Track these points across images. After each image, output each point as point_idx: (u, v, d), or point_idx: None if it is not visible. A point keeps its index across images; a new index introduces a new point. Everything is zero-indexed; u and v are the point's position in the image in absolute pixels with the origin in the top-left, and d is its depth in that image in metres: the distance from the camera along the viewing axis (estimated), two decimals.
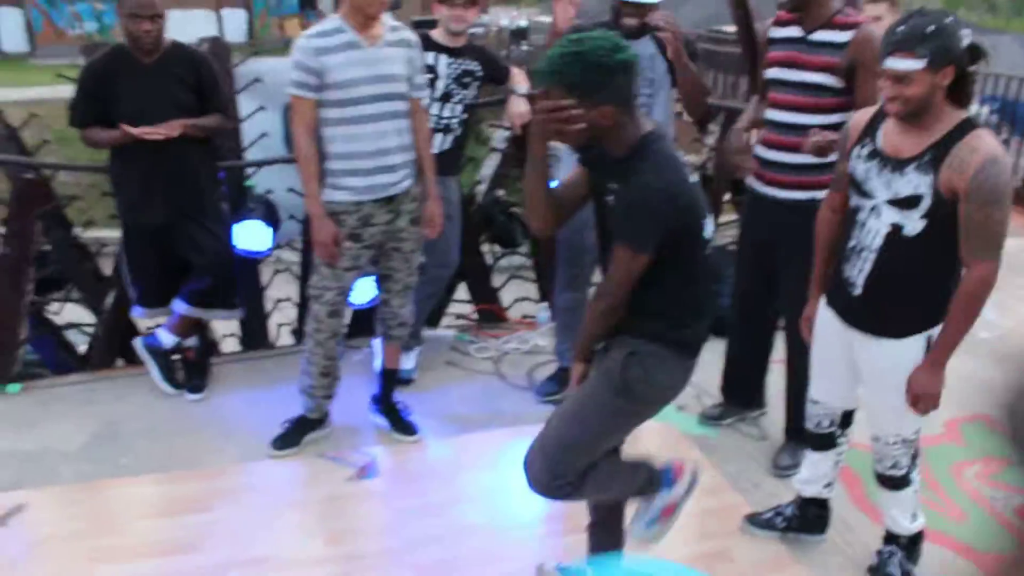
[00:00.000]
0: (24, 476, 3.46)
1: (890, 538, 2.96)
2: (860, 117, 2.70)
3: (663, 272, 2.26)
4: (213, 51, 4.06)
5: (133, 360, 4.52)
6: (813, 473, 3.10)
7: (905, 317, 2.60)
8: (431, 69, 3.91)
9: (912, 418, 2.71)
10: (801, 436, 3.39)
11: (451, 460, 3.66)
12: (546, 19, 18.73)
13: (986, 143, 2.38)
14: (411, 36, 3.41)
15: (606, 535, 2.73)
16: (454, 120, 4.02)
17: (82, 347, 4.78)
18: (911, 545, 2.95)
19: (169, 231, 3.76)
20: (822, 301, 2.84)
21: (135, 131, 3.50)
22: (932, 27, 2.33)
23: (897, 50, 2.36)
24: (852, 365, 2.82)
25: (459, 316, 5.08)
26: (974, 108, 2.64)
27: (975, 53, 2.40)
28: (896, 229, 2.52)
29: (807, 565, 3.06)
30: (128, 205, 3.74)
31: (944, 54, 2.33)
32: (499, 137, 4.94)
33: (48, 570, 2.95)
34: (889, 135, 2.54)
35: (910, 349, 2.60)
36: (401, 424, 3.78)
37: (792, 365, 3.58)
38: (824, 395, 2.96)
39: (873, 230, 2.58)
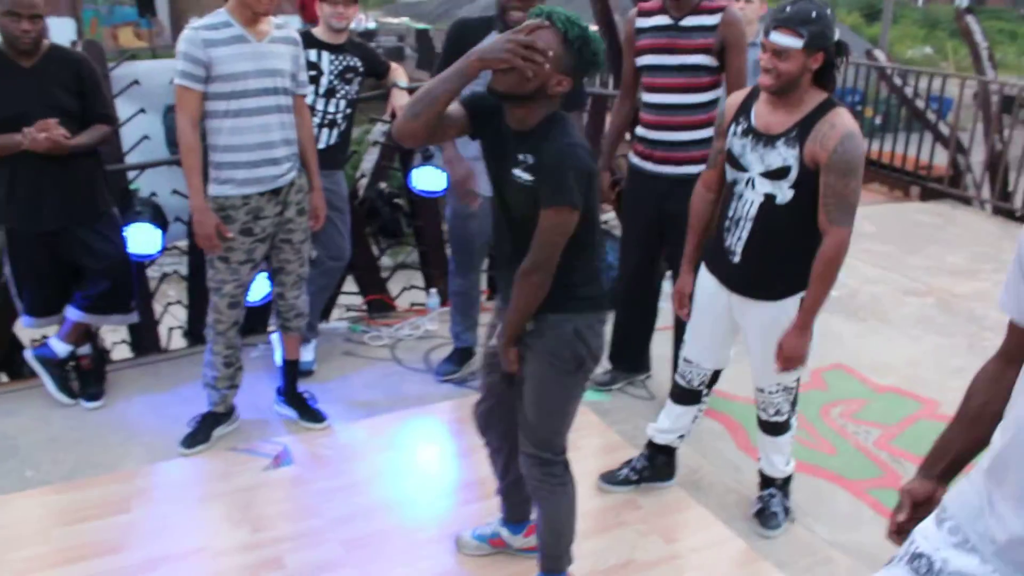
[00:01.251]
0: None
1: (767, 482, 3.26)
2: (734, 99, 2.95)
3: (579, 235, 2.36)
4: (89, 53, 3.99)
5: (17, 375, 4.42)
6: (673, 424, 3.34)
7: (780, 281, 2.87)
8: (314, 66, 4.00)
9: (800, 370, 3.01)
10: None
11: (362, 442, 3.78)
12: (392, 20, 18.81)
13: (844, 120, 2.67)
14: (295, 34, 3.50)
15: (516, 494, 2.91)
16: (339, 115, 4.12)
17: None
18: (785, 485, 3.27)
19: (60, 237, 3.71)
20: (703, 269, 3.10)
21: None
22: (815, 12, 2.61)
23: (781, 26, 2.63)
24: (729, 328, 3.10)
25: (349, 308, 5.17)
26: None
27: (841, 49, 2.70)
28: (769, 199, 2.80)
29: (707, 505, 3.35)
30: (17, 211, 3.65)
31: (820, 39, 2.62)
32: (378, 131, 5.05)
33: None
34: (761, 114, 2.81)
35: (786, 309, 2.88)
36: (309, 412, 3.86)
37: (679, 331, 3.86)
38: (697, 356, 3.20)
39: (749, 200, 2.85)
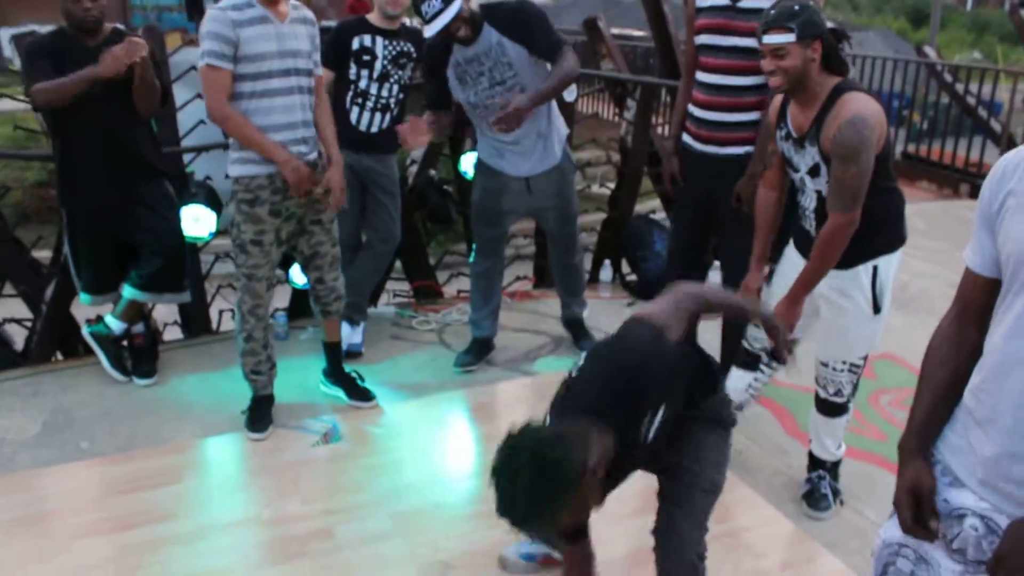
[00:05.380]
0: None
1: (815, 464, 3.24)
2: (774, 104, 3.01)
3: None
4: (148, 37, 4.07)
5: (72, 354, 4.51)
6: (730, 387, 3.34)
7: (850, 251, 2.84)
8: (368, 51, 4.05)
9: (860, 346, 3.00)
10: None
11: (410, 421, 3.81)
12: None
13: (848, 106, 2.69)
14: (311, 14, 3.49)
15: None
16: (391, 100, 4.16)
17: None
18: (834, 469, 3.24)
19: (116, 214, 3.78)
20: (791, 245, 3.12)
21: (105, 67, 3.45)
22: (797, 6, 2.71)
23: (771, 28, 2.73)
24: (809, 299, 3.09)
25: (396, 294, 5.21)
26: None
27: (839, 34, 2.78)
28: (819, 194, 2.87)
29: (754, 486, 3.34)
30: (73, 186, 3.74)
31: (811, 28, 2.70)
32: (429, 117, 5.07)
33: (21, 550, 2.95)
34: (793, 116, 2.88)
35: (858, 276, 2.89)
36: (357, 391, 3.89)
37: (726, 324, 3.84)
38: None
39: (808, 195, 2.93)
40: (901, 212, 2.93)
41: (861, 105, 2.69)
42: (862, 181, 2.69)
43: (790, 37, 2.69)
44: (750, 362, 3.30)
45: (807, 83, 2.75)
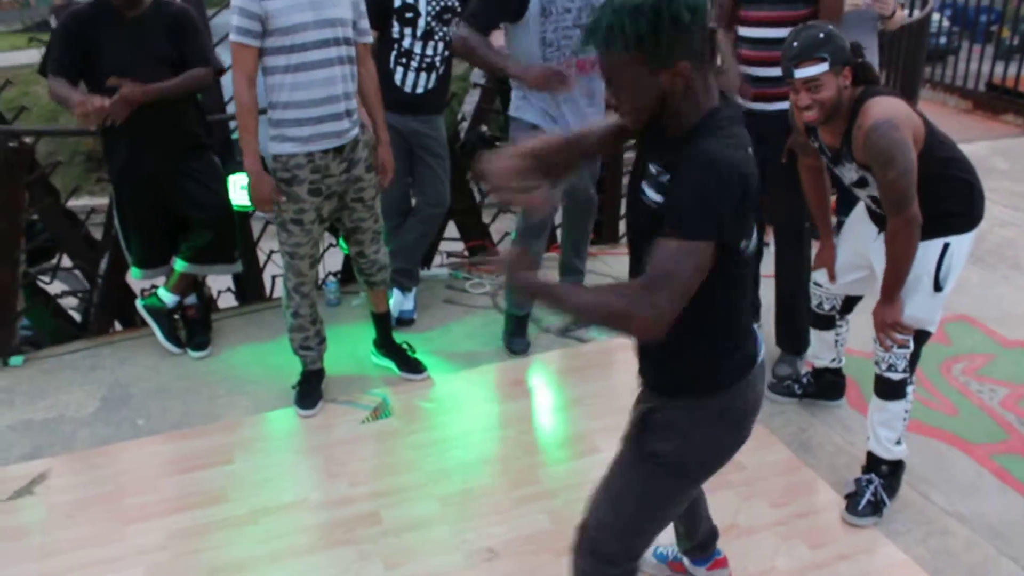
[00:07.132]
0: (42, 444, 3.50)
1: (871, 464, 3.01)
2: (798, 116, 2.87)
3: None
4: (189, 1, 4.01)
5: (130, 324, 4.56)
6: (819, 348, 3.43)
7: (925, 227, 2.72)
8: (412, 8, 3.90)
9: (913, 321, 2.83)
10: (794, 346, 3.62)
11: (462, 394, 3.75)
12: None
13: (867, 116, 2.62)
14: None
15: (693, 529, 2.57)
16: (437, 58, 4.01)
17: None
18: (891, 475, 3.00)
19: (163, 187, 3.75)
20: (862, 207, 3.07)
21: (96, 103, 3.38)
22: (822, 34, 2.60)
23: (801, 61, 2.62)
24: (865, 257, 3.04)
25: (450, 254, 5.13)
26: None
27: (856, 49, 2.68)
28: (874, 198, 2.83)
29: (815, 467, 3.20)
30: (120, 161, 3.71)
31: (841, 53, 2.61)
32: (479, 72, 4.93)
33: (79, 534, 3.00)
34: (822, 131, 2.83)
35: (926, 249, 2.75)
36: (408, 363, 3.85)
37: (780, 276, 3.70)
38: (824, 279, 3.23)
39: (861, 197, 2.93)
40: (978, 194, 2.82)
41: (880, 109, 2.61)
42: (907, 181, 2.59)
43: (823, 67, 2.60)
44: (824, 322, 3.35)
45: (840, 110, 2.68)
